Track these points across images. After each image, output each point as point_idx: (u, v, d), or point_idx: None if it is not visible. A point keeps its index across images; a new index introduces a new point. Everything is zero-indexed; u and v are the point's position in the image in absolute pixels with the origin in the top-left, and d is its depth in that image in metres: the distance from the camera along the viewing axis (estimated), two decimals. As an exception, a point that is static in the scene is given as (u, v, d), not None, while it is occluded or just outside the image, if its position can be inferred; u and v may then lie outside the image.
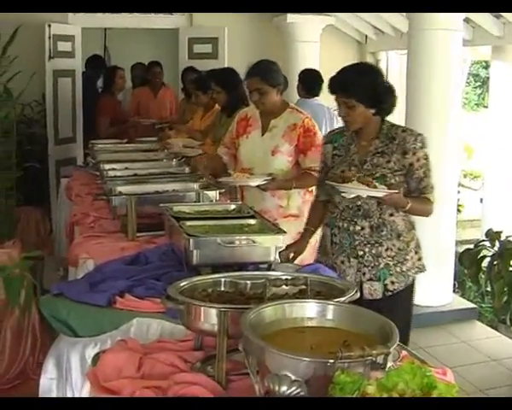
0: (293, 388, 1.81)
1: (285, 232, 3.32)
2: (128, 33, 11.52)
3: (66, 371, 2.99)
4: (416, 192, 3.85)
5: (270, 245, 3.20)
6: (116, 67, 8.74)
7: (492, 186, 9.46)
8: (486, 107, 18.88)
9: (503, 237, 6.55)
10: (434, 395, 1.70)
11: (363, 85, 3.77)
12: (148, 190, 4.55)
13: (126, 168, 5.45)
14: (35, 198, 7.24)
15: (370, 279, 3.91)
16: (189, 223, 3.36)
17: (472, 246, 6.81)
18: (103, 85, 8.69)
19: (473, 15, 7.48)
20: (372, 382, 1.75)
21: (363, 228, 3.90)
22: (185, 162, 5.75)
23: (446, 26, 6.46)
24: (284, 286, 2.48)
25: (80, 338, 3.02)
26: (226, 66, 8.61)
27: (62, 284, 3.37)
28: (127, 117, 8.62)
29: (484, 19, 7.97)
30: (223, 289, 2.57)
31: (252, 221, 3.49)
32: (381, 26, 9.89)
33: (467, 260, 6.48)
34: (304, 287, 2.54)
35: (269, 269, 3.22)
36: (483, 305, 7.64)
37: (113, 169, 5.34)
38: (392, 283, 3.93)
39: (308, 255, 4.66)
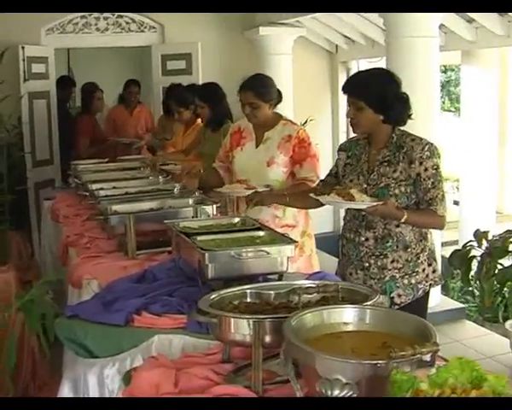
0: (346, 390, 1.87)
1: (296, 242, 3.38)
2: (92, 53, 11.51)
3: (84, 392, 3.02)
4: (423, 204, 3.78)
5: (282, 255, 3.26)
6: (95, 87, 8.74)
7: (468, 189, 9.61)
8: (447, 110, 19.24)
9: (489, 237, 6.68)
10: (485, 387, 1.77)
11: (373, 88, 3.76)
12: (144, 207, 4.59)
13: (114, 187, 5.48)
14: (14, 221, 7.22)
15: None
16: (199, 238, 3.40)
17: (457, 247, 6.94)
18: (81, 105, 8.70)
19: (445, 21, 7.61)
20: (424, 379, 1.81)
21: (367, 239, 3.88)
22: (172, 179, 5.79)
23: (424, 32, 6.59)
24: (316, 293, 2.54)
25: (97, 359, 3.05)
26: (201, 81, 8.70)
27: (75, 306, 3.39)
28: (106, 136, 8.62)
29: (456, 24, 8.14)
30: (249, 300, 2.63)
31: (261, 233, 3.54)
32: (352, 36, 10.01)
33: (456, 261, 6.60)
34: (329, 294, 2.60)
35: (280, 279, 3.28)
36: (466, 304, 7.78)
37: (102, 189, 5.36)
38: (399, 296, 3.89)
39: (303, 265, 4.76)
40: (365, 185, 3.85)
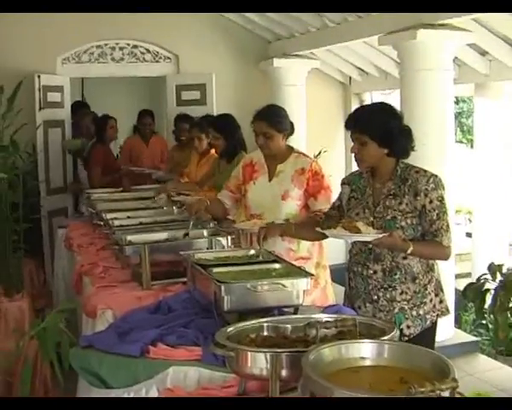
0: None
1: (312, 275, 3.39)
2: (105, 82, 11.60)
3: (97, 422, 3.02)
4: (428, 235, 3.80)
5: (298, 288, 3.26)
6: (108, 116, 8.78)
7: (481, 220, 9.60)
8: (459, 142, 19.23)
9: (504, 270, 6.65)
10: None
11: (375, 123, 3.80)
12: (158, 238, 4.61)
13: (128, 217, 5.50)
14: (28, 249, 7.24)
15: None
16: (215, 270, 3.41)
17: (470, 279, 6.92)
18: (95, 135, 8.73)
19: (459, 53, 7.65)
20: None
21: (375, 272, 3.90)
22: (186, 210, 5.80)
23: (438, 65, 6.63)
24: (334, 328, 2.54)
25: (112, 389, 3.05)
26: (215, 111, 8.75)
27: (90, 336, 3.40)
28: (119, 165, 8.65)
29: (469, 56, 8.18)
30: (266, 333, 2.63)
31: (276, 265, 3.55)
32: (365, 67, 10.06)
33: (471, 294, 6.58)
34: (345, 329, 2.60)
35: (296, 312, 3.28)
36: (479, 338, 7.74)
37: (116, 218, 5.38)
38: (408, 327, 3.89)
39: (318, 296, 4.75)
40: (372, 218, 3.87)
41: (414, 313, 3.89)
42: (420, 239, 3.82)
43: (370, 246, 3.84)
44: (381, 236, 3.62)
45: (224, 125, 6.30)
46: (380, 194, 3.90)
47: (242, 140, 6.31)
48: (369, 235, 3.64)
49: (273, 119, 4.85)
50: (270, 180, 4.95)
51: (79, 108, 9.90)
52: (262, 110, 4.95)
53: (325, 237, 3.98)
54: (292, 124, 4.96)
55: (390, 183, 3.87)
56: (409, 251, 3.71)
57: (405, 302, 3.88)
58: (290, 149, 4.98)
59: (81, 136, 9.10)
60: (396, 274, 3.87)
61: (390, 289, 3.88)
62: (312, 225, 4.25)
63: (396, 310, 3.89)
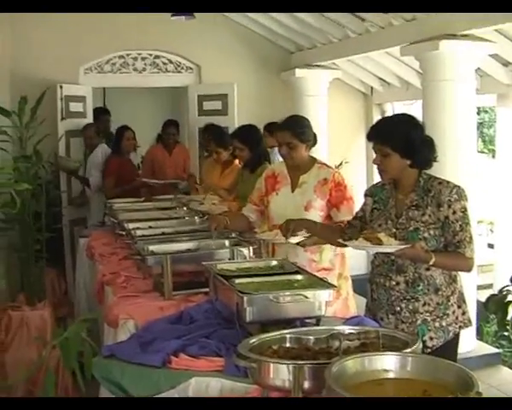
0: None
1: (335, 286, 3.39)
2: (127, 92, 11.66)
3: (120, 432, 3.02)
4: (451, 246, 3.79)
5: (320, 299, 3.26)
6: (125, 127, 8.77)
7: (503, 231, 9.54)
8: (480, 152, 19.14)
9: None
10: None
11: (398, 134, 3.80)
12: (180, 248, 4.61)
13: (150, 227, 5.52)
14: (49, 258, 7.29)
15: None
16: (237, 280, 3.41)
17: (492, 291, 6.87)
18: (112, 145, 8.73)
19: (481, 64, 7.63)
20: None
21: (398, 283, 3.89)
22: (208, 220, 5.81)
23: (460, 76, 6.61)
24: (357, 340, 2.54)
25: (134, 399, 3.06)
26: (236, 122, 8.77)
27: (113, 346, 3.42)
28: (134, 177, 8.59)
29: (492, 67, 8.16)
30: (288, 345, 2.63)
31: (299, 277, 3.55)
32: (387, 78, 10.05)
33: (493, 306, 6.52)
34: (368, 341, 2.59)
35: (318, 323, 3.28)
36: (501, 349, 7.69)
37: (138, 228, 5.40)
38: (431, 339, 3.87)
39: (340, 308, 4.73)
40: (394, 230, 3.87)
41: (436, 324, 3.88)
42: (442, 250, 3.81)
43: (393, 257, 3.84)
44: (403, 247, 3.60)
45: (249, 136, 6.34)
46: (402, 205, 3.90)
47: (266, 150, 6.35)
48: (390, 246, 3.63)
49: (296, 129, 4.84)
50: (292, 191, 4.94)
51: (101, 114, 9.97)
52: (285, 120, 4.95)
53: (344, 244, 3.97)
54: (315, 135, 4.96)
55: (413, 194, 3.87)
56: (431, 262, 3.69)
57: (428, 314, 3.87)
58: (313, 160, 4.98)
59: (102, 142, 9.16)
60: (419, 285, 3.86)
61: (413, 300, 3.87)
62: (335, 230, 4.30)
63: (419, 322, 3.87)
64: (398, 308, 3.90)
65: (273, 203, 5.01)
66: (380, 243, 3.61)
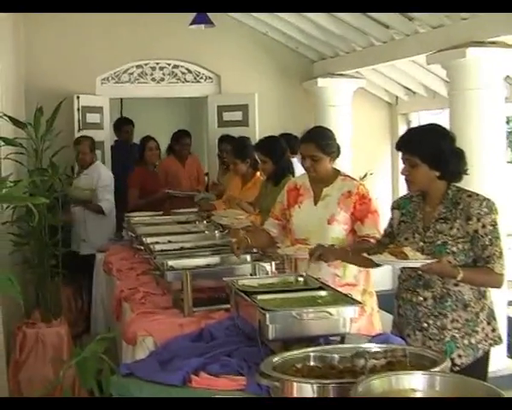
0: None
1: (360, 303, 3.38)
2: (145, 102, 11.72)
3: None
4: (480, 261, 3.78)
5: (345, 316, 3.26)
6: (147, 137, 8.82)
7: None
8: (510, 162, 18.98)
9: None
10: None
11: (427, 144, 3.81)
12: (200, 263, 4.64)
13: (169, 241, 5.56)
14: (66, 274, 7.31)
15: None
16: (259, 297, 3.41)
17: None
18: (138, 155, 8.80)
19: (511, 71, 7.60)
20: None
21: (425, 299, 3.88)
22: (229, 234, 5.82)
23: (489, 84, 6.59)
24: (383, 358, 2.53)
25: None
26: (257, 133, 8.79)
27: (131, 364, 3.43)
28: (158, 188, 8.66)
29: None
30: (312, 363, 2.63)
31: (322, 293, 3.55)
32: (413, 87, 10.02)
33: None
34: (395, 359, 2.59)
35: (342, 341, 3.28)
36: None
37: (157, 243, 5.43)
38: (460, 356, 3.85)
39: (364, 325, 4.71)
40: (421, 243, 3.88)
41: (465, 341, 3.86)
42: (471, 265, 3.79)
43: (420, 272, 3.82)
44: (429, 261, 3.61)
45: (272, 147, 6.33)
46: (430, 218, 3.91)
47: (290, 163, 6.33)
48: (416, 261, 3.63)
49: (321, 141, 4.84)
50: (315, 204, 4.93)
51: (123, 124, 10.03)
52: (309, 132, 4.96)
53: (379, 264, 3.96)
54: (338, 146, 4.96)
55: (441, 206, 3.87)
56: (459, 278, 3.70)
57: (456, 331, 3.86)
58: (336, 172, 4.97)
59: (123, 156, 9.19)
60: (447, 301, 3.85)
61: (441, 316, 3.86)
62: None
63: (447, 339, 3.86)
64: (426, 325, 3.90)
65: (295, 217, 5.00)
66: (405, 257, 3.62)
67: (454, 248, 3.77)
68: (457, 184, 3.92)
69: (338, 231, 4.79)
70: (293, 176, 6.09)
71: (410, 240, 3.92)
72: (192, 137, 9.55)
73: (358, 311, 4.28)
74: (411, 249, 3.71)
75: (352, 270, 4.80)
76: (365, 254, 3.87)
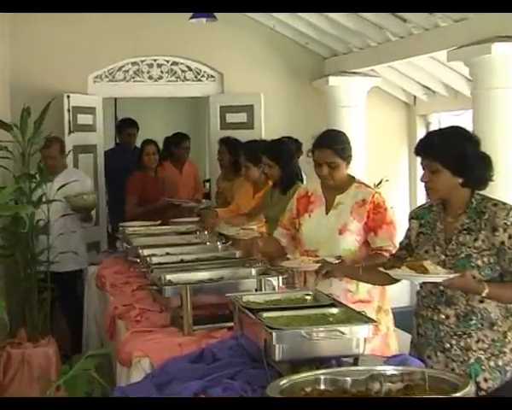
0: None
1: (375, 321, 3.38)
2: (141, 102, 11.71)
3: None
4: (507, 275, 3.75)
5: (359, 336, 3.25)
6: (146, 141, 8.82)
7: None
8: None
9: None
10: None
11: (449, 148, 3.78)
12: (202, 277, 4.63)
13: (168, 254, 5.56)
14: (55, 289, 7.30)
15: None
16: (265, 314, 3.41)
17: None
18: (136, 160, 8.80)
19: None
20: None
21: (447, 317, 3.85)
22: (232, 245, 5.82)
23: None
24: (400, 382, 2.53)
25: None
26: (264, 136, 8.78)
27: (126, 388, 3.44)
28: (157, 196, 8.63)
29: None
30: (323, 387, 2.63)
31: (334, 310, 3.54)
32: (433, 86, 10.01)
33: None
34: (413, 383, 2.58)
35: (356, 363, 3.27)
36: None
37: (154, 255, 5.43)
38: (486, 380, 3.81)
39: (378, 345, 4.71)
40: (443, 257, 3.85)
41: (492, 363, 3.82)
42: (498, 280, 3.76)
43: (441, 287, 3.80)
44: (451, 276, 3.59)
45: (279, 152, 6.33)
46: (452, 229, 3.88)
47: (298, 168, 6.32)
48: (437, 275, 3.61)
49: (337, 146, 4.86)
50: (327, 213, 4.94)
51: (126, 127, 10.04)
52: (324, 137, 4.97)
53: (395, 280, 3.96)
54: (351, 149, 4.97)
55: (464, 216, 3.85)
56: (484, 294, 3.66)
57: (482, 352, 3.81)
58: (351, 179, 4.98)
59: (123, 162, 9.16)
60: (471, 320, 3.81)
61: (465, 336, 3.83)
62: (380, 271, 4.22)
63: (471, 360, 3.82)
64: (448, 345, 3.87)
65: (305, 226, 5.02)
66: (425, 271, 3.60)
67: (479, 262, 3.74)
68: (482, 192, 3.90)
69: (350, 242, 4.80)
70: (302, 182, 6.09)
71: (430, 253, 3.90)
72: (193, 141, 9.56)
73: (373, 330, 4.30)
74: (432, 263, 3.69)
75: (366, 285, 4.80)
76: (381, 269, 3.86)
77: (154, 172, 8.85)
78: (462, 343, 3.84)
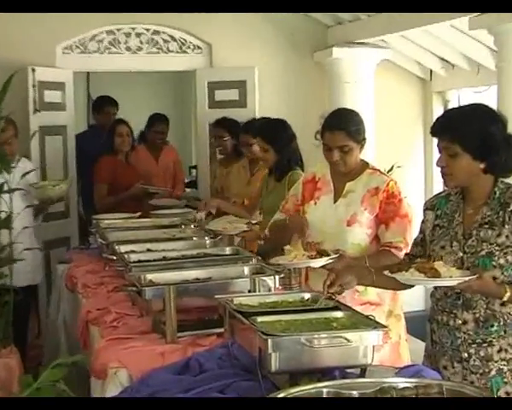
0: None
1: (385, 327, 3.39)
2: (118, 77, 11.69)
3: None
4: None
5: (366, 344, 3.27)
6: (118, 121, 8.82)
7: None
8: None
9: None
10: None
11: (471, 129, 3.74)
12: (187, 277, 4.63)
13: (148, 250, 5.56)
14: (18, 291, 7.27)
15: None
16: (260, 319, 3.43)
17: None
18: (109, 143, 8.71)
19: None
20: None
21: (465, 322, 3.84)
22: (221, 241, 5.84)
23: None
24: (414, 396, 2.55)
25: None
26: (257, 115, 8.77)
27: (101, 402, 3.44)
28: (131, 183, 8.56)
29: None
30: (325, 401, 2.65)
31: (338, 314, 3.56)
32: (451, 58, 9.99)
33: None
34: (427, 397, 2.60)
35: (363, 374, 3.29)
36: None
37: (133, 252, 5.44)
38: (508, 394, 3.81)
39: (388, 354, 4.73)
40: (461, 254, 3.84)
41: None
42: None
43: (457, 290, 3.79)
44: (467, 279, 3.55)
45: (275, 133, 6.33)
46: (472, 222, 3.87)
47: (298, 153, 6.31)
48: (451, 279, 3.58)
49: (350, 127, 4.87)
50: (335, 201, 4.95)
51: (104, 105, 10.06)
52: (334, 117, 4.99)
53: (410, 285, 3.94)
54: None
55: (485, 208, 3.84)
56: (505, 298, 3.65)
57: (504, 363, 3.82)
58: (365, 165, 4.98)
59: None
60: (492, 326, 3.81)
61: (485, 344, 3.83)
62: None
63: (492, 372, 3.83)
64: (466, 355, 3.87)
65: (310, 214, 5.02)
66: (437, 274, 3.57)
67: (501, 261, 3.73)
68: (506, 181, 3.89)
69: (359, 236, 4.80)
70: (303, 169, 6.09)
71: (446, 249, 3.89)
72: (177, 122, 9.55)
73: (383, 338, 4.31)
74: (444, 264, 3.66)
75: (376, 284, 4.80)
76: (387, 273, 3.82)
77: (125, 157, 8.78)
78: (481, 353, 3.84)
